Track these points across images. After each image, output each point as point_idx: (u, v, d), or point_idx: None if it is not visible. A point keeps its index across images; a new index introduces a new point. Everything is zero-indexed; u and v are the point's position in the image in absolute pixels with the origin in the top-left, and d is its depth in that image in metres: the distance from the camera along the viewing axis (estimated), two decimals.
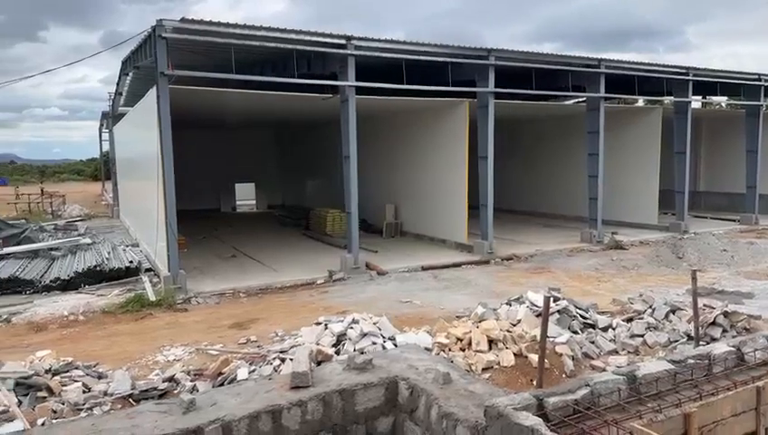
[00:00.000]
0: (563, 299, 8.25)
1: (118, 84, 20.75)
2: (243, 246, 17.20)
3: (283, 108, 17.09)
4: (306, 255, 15.76)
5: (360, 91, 13.07)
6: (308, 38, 12.19)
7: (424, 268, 13.60)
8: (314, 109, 16.75)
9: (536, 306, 7.90)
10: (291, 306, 10.47)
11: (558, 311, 7.92)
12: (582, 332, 7.83)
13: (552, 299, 7.99)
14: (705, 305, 8.15)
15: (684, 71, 18.63)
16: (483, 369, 6.68)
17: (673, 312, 8.43)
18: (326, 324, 7.64)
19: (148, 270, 13.11)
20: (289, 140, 30.01)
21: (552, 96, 21.78)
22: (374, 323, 7.57)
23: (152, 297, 10.82)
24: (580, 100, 21.29)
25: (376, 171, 19.95)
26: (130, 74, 17.40)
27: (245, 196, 31.65)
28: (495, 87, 14.70)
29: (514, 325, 7.48)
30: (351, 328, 7.39)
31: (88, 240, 15.89)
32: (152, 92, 11.84)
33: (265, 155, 30.34)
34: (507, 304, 8.33)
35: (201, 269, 13.83)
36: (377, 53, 12.87)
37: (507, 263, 14.43)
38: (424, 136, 17.66)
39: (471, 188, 15.60)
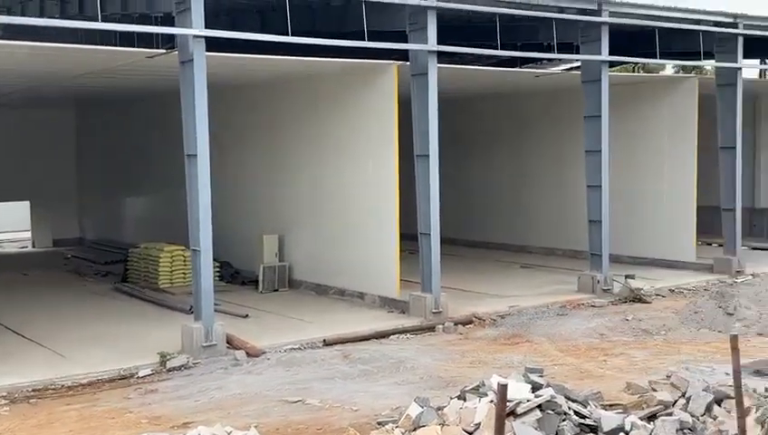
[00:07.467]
0: (548, 386, 8.37)
1: None
2: (2, 313, 16.37)
3: (77, 73, 16.58)
4: (121, 326, 15.35)
5: (213, 44, 13.01)
6: None
7: (327, 343, 13.68)
8: (135, 75, 16.39)
9: (507, 400, 7.85)
10: (90, 420, 10.13)
11: (539, 406, 7.98)
12: None
13: (530, 387, 8.16)
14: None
15: (731, 20, 19.47)
16: None
17: (719, 402, 8.72)
18: None
19: None
20: (94, 128, 29.24)
21: (529, 60, 22.56)
22: None
23: None
24: (574, 66, 22.18)
25: (245, 180, 19.71)
26: None
27: (13, 224, 30.90)
28: (438, 43, 15.05)
29: (471, 433, 7.50)
30: None
31: None
32: None
33: (51, 154, 29.43)
34: (460, 397, 8.38)
35: None
36: None
37: (464, 329, 14.70)
38: (327, 120, 17.82)
39: (403, 207, 15.81)
